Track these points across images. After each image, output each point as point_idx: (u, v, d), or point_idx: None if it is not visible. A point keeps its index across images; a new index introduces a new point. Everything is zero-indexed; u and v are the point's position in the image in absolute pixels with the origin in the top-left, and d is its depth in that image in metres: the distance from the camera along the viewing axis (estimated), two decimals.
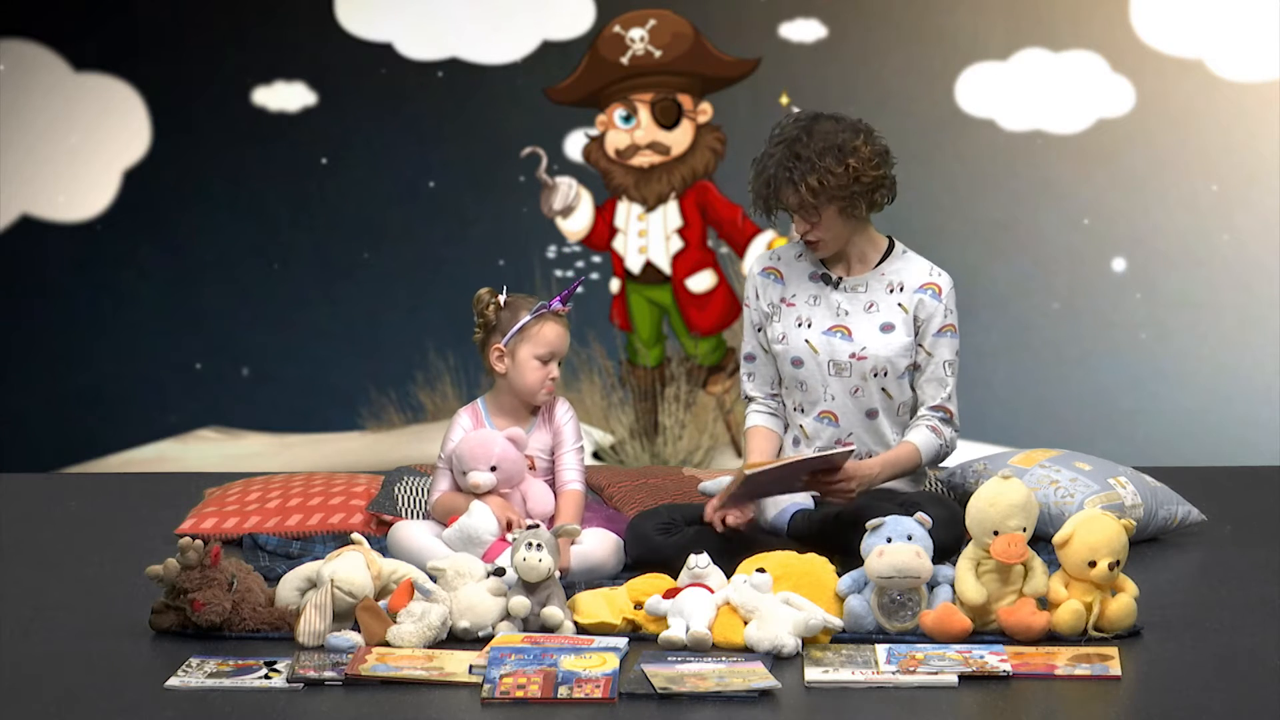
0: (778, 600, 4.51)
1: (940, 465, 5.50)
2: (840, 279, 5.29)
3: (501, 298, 5.28)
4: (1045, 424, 8.06)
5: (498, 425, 5.27)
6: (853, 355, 5.24)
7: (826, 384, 5.26)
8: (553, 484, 5.28)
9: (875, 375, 5.24)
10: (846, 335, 5.25)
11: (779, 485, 5.14)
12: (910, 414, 5.30)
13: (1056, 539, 4.59)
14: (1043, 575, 4.58)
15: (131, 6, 8.28)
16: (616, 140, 8.23)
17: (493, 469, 5.16)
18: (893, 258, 5.30)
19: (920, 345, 5.26)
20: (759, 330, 5.35)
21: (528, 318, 5.23)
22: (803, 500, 5.22)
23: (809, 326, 5.27)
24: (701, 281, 8.25)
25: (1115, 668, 4.27)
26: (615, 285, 8.26)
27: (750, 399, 5.41)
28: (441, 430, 5.37)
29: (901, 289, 5.26)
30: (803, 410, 5.31)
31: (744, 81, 8.19)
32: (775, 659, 4.38)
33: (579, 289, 5.35)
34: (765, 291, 5.34)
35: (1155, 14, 8.10)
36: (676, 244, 8.24)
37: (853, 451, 5.10)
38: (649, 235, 8.24)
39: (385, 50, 8.26)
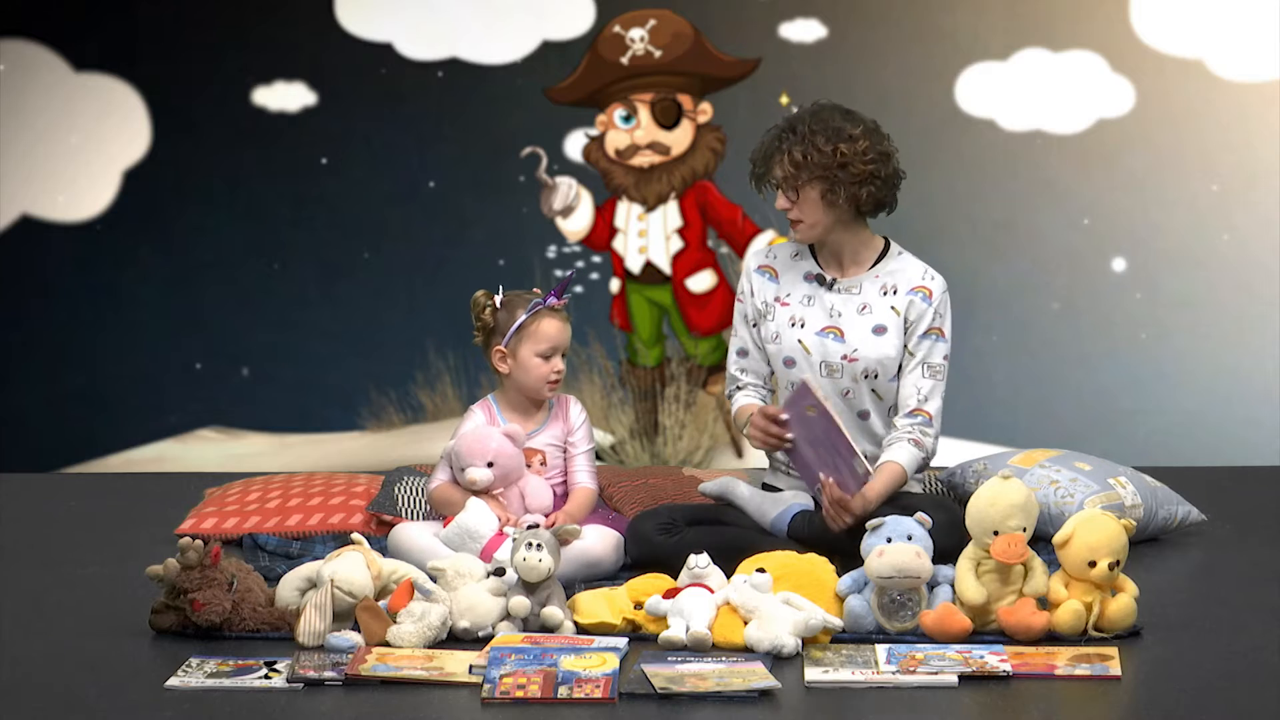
0: (778, 600, 4.51)
1: (932, 467, 5.49)
2: (834, 280, 5.28)
3: (498, 298, 5.29)
4: (1045, 424, 8.06)
5: (510, 420, 5.29)
6: (844, 357, 5.23)
7: (819, 385, 5.24)
8: (562, 481, 5.29)
9: (866, 377, 5.24)
10: (839, 336, 5.24)
11: (817, 440, 5.10)
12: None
13: (1056, 539, 4.60)
14: (1043, 575, 4.58)
15: (131, 6, 8.28)
16: (616, 140, 8.23)
17: (490, 465, 5.17)
18: (887, 259, 5.29)
19: (905, 346, 5.25)
20: (754, 325, 5.35)
21: (524, 316, 5.24)
22: (803, 500, 5.22)
23: (802, 327, 5.27)
24: (701, 281, 8.25)
25: (1115, 668, 4.27)
26: (615, 285, 8.26)
27: (741, 387, 5.38)
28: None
29: (895, 291, 5.26)
30: None
31: (744, 81, 8.18)
32: (775, 659, 4.38)
33: (572, 283, 5.36)
34: (760, 289, 5.34)
35: (1155, 14, 8.09)
36: (676, 244, 8.24)
37: (869, 477, 5.05)
38: (649, 235, 8.24)
39: (385, 50, 8.26)
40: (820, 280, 5.29)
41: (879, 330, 5.24)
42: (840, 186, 5.13)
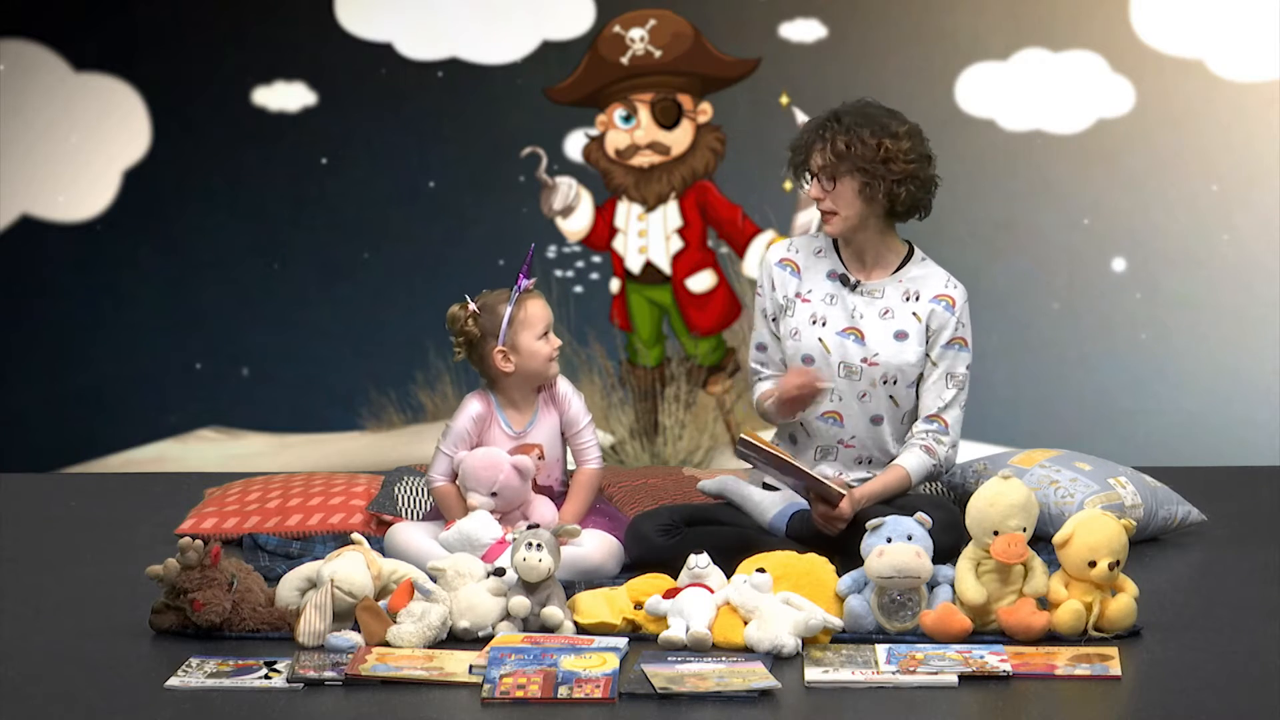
0: (778, 600, 4.51)
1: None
2: (858, 282, 5.27)
3: (472, 305, 5.27)
4: (1045, 424, 8.06)
5: (506, 414, 5.28)
6: (864, 360, 5.22)
7: (835, 385, 5.24)
8: (558, 479, 5.30)
9: (885, 382, 5.22)
10: (860, 339, 5.23)
11: (776, 472, 5.14)
12: (913, 423, 5.29)
13: (1056, 539, 4.60)
14: (1043, 575, 4.58)
15: (131, 6, 8.28)
16: (616, 140, 8.22)
17: (493, 494, 5.16)
18: (911, 264, 5.28)
19: (928, 355, 5.25)
20: (773, 319, 5.33)
21: (509, 309, 5.24)
22: (802, 500, 5.22)
23: (824, 325, 5.26)
24: (701, 281, 8.25)
25: (1115, 668, 4.27)
26: (615, 285, 8.26)
27: (762, 378, 5.36)
28: (442, 430, 5.36)
29: (918, 298, 5.25)
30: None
31: (744, 81, 8.18)
32: (775, 659, 4.38)
33: (536, 256, 5.37)
34: (781, 284, 5.32)
35: (1155, 14, 8.09)
36: (676, 244, 8.24)
37: (848, 493, 5.05)
38: (649, 235, 8.24)
39: (385, 50, 8.26)
40: (844, 280, 5.28)
41: (900, 336, 5.23)
42: (879, 181, 5.13)
